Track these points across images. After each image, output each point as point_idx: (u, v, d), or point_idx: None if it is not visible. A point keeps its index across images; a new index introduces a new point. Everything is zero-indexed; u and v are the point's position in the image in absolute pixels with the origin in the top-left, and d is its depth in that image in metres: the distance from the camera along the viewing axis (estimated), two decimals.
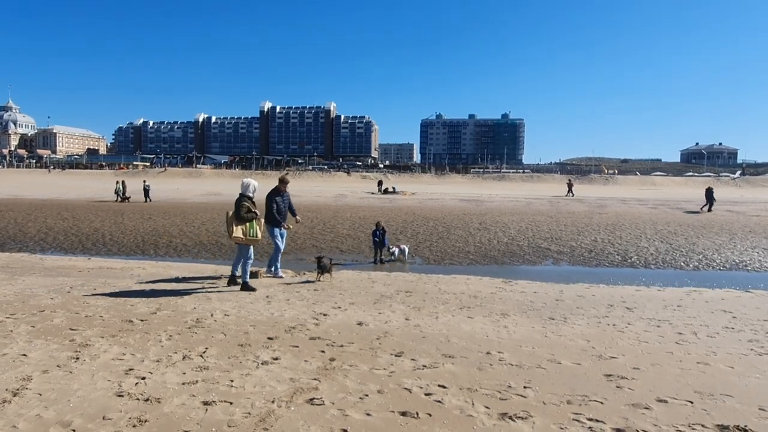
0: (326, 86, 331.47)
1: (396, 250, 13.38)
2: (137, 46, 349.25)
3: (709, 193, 29.11)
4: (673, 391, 4.16)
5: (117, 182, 33.35)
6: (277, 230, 9.50)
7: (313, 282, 9.29)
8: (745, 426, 3.54)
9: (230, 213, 8.10)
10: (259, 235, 8.23)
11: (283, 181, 9.79)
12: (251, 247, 8.32)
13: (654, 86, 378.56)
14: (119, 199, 31.54)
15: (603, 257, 14.37)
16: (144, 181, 34.63)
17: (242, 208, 7.99)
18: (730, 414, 3.74)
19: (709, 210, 27.92)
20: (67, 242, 16.52)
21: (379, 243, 13.43)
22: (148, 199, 31.79)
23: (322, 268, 9.18)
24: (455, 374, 4.48)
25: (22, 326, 5.75)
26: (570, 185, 46.51)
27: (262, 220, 8.36)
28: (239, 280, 8.36)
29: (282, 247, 9.70)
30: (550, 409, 3.79)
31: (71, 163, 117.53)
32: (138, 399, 3.82)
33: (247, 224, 8.04)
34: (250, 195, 8.30)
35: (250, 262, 8.41)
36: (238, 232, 7.99)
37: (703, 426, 3.55)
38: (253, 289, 8.11)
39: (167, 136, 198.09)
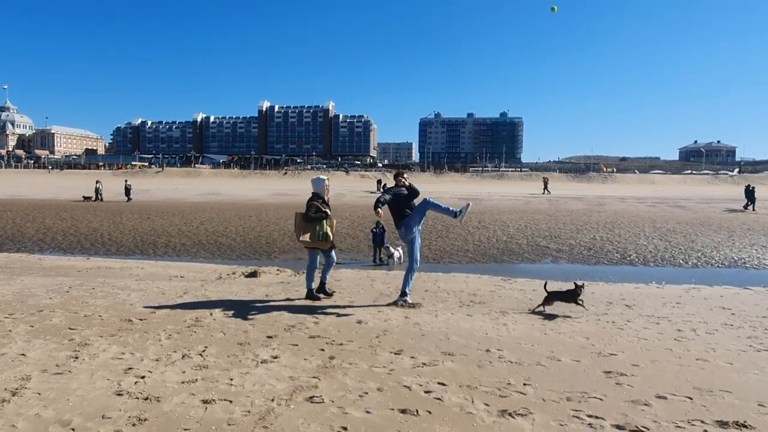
0: (325, 85, 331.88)
1: (395, 254, 13.15)
2: (135, 46, 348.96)
3: (749, 192, 28.22)
4: (672, 387, 4.16)
5: (96, 182, 33.80)
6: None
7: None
8: (745, 422, 3.54)
9: (298, 213, 7.45)
10: (330, 236, 7.38)
11: (399, 176, 7.77)
12: (319, 251, 7.48)
13: (652, 84, 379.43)
14: (96, 198, 31.71)
15: (602, 255, 14.38)
16: (126, 181, 35.05)
17: (311, 208, 7.30)
18: (730, 410, 3.75)
19: (753, 209, 27.25)
20: (66, 242, 16.51)
21: (379, 242, 13.43)
22: (129, 199, 31.80)
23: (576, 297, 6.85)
24: (455, 372, 4.48)
25: (20, 326, 5.74)
26: (545, 183, 47.12)
27: (334, 221, 7.55)
28: (322, 290, 7.64)
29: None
30: (550, 406, 3.79)
31: (70, 164, 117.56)
32: (137, 398, 3.82)
33: (316, 226, 7.30)
34: (322, 194, 7.56)
35: (333, 265, 7.59)
36: (306, 234, 7.29)
37: (702, 422, 3.55)
38: (330, 294, 7.55)
39: (165, 136, 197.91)
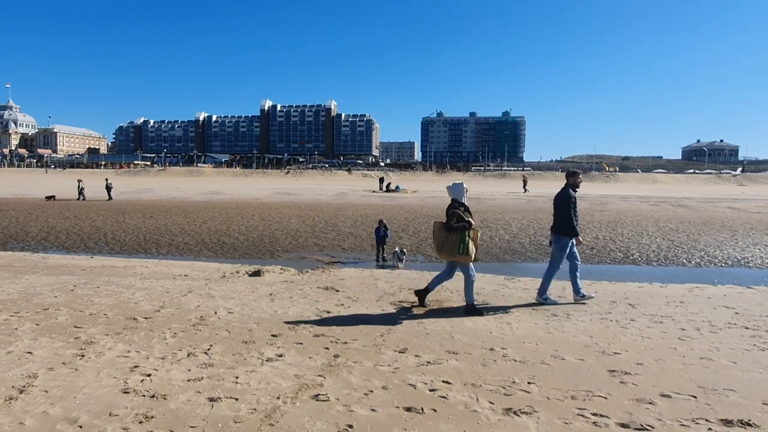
0: (327, 84, 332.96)
1: (398, 253, 12.66)
2: (138, 45, 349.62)
3: None
4: (676, 386, 4.17)
5: (78, 181, 33.66)
6: (572, 242, 7.30)
7: (316, 279, 9.29)
8: (749, 420, 3.55)
9: (437, 222, 6.81)
10: (472, 250, 6.60)
11: (574, 175, 7.43)
12: (460, 264, 6.74)
13: (655, 83, 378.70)
14: (78, 197, 31.59)
15: (605, 254, 14.36)
16: (106, 179, 34.67)
17: (452, 217, 6.59)
18: (734, 408, 3.75)
19: None
20: (69, 241, 16.55)
21: (382, 240, 13.44)
22: (110, 198, 31.58)
23: None
24: (459, 370, 4.50)
25: (26, 324, 5.77)
26: (525, 181, 47.30)
27: (478, 232, 6.82)
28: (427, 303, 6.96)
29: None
30: (555, 404, 3.80)
31: (72, 163, 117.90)
32: (144, 396, 3.84)
33: (456, 237, 6.56)
34: (464, 201, 6.83)
35: (474, 279, 6.74)
36: (445, 247, 6.61)
37: (706, 420, 3.56)
38: (480, 313, 6.58)
39: (168, 135, 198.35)
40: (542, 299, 7.30)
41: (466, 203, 6.84)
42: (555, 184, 52.04)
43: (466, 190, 6.93)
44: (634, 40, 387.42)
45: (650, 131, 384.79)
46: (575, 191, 7.31)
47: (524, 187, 45.75)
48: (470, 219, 6.66)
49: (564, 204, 7.20)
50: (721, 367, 4.65)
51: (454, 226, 6.54)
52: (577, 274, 7.39)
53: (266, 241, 16.33)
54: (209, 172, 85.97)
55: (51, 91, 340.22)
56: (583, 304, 7.32)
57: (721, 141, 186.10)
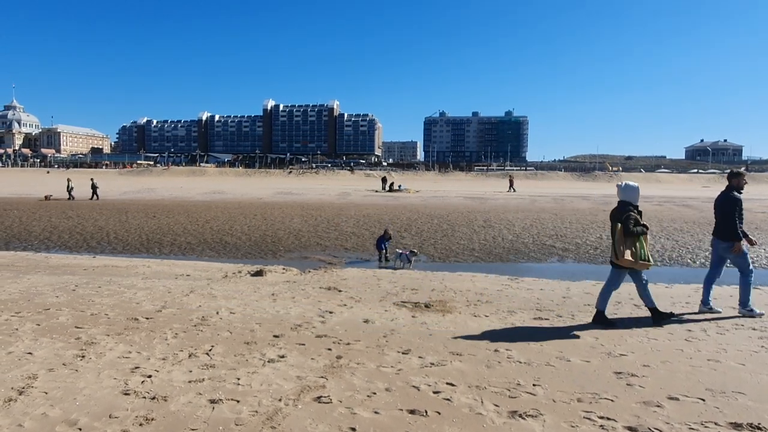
0: (329, 84, 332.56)
1: (407, 254, 12.26)
2: (140, 45, 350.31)
3: None
4: (684, 388, 4.11)
5: (68, 180, 33.46)
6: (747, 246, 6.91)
7: (318, 280, 9.24)
8: (759, 424, 3.49)
9: (619, 227, 6.21)
10: (650, 256, 6.25)
11: (738, 176, 7.01)
12: (632, 271, 6.31)
13: (658, 83, 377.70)
14: (69, 196, 31.49)
15: (608, 254, 14.27)
16: (92, 179, 34.38)
17: (629, 220, 6.10)
18: (743, 412, 3.69)
19: None
20: (72, 241, 16.54)
21: (385, 250, 13.26)
22: (95, 197, 31.34)
23: None
24: (463, 372, 4.44)
25: (27, 324, 5.74)
26: (511, 181, 47.36)
27: (648, 235, 6.39)
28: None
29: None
30: (560, 407, 3.75)
31: (75, 162, 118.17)
32: (144, 397, 3.80)
33: (636, 243, 6.12)
34: (636, 203, 6.38)
35: (647, 282, 6.42)
36: (627, 253, 6.11)
37: (715, 424, 3.50)
38: (670, 315, 6.39)
39: (171, 134, 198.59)
40: (747, 311, 6.80)
41: (638, 206, 6.40)
42: (558, 184, 51.88)
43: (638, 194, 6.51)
44: (637, 39, 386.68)
45: (653, 131, 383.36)
46: (740, 193, 6.90)
47: (511, 186, 45.55)
48: (645, 223, 6.28)
49: (729, 208, 6.82)
50: (730, 369, 4.58)
51: (634, 231, 6.11)
52: (713, 285, 7.05)
53: (268, 240, 16.29)
54: (212, 172, 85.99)
55: (54, 91, 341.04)
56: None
57: (725, 141, 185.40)
